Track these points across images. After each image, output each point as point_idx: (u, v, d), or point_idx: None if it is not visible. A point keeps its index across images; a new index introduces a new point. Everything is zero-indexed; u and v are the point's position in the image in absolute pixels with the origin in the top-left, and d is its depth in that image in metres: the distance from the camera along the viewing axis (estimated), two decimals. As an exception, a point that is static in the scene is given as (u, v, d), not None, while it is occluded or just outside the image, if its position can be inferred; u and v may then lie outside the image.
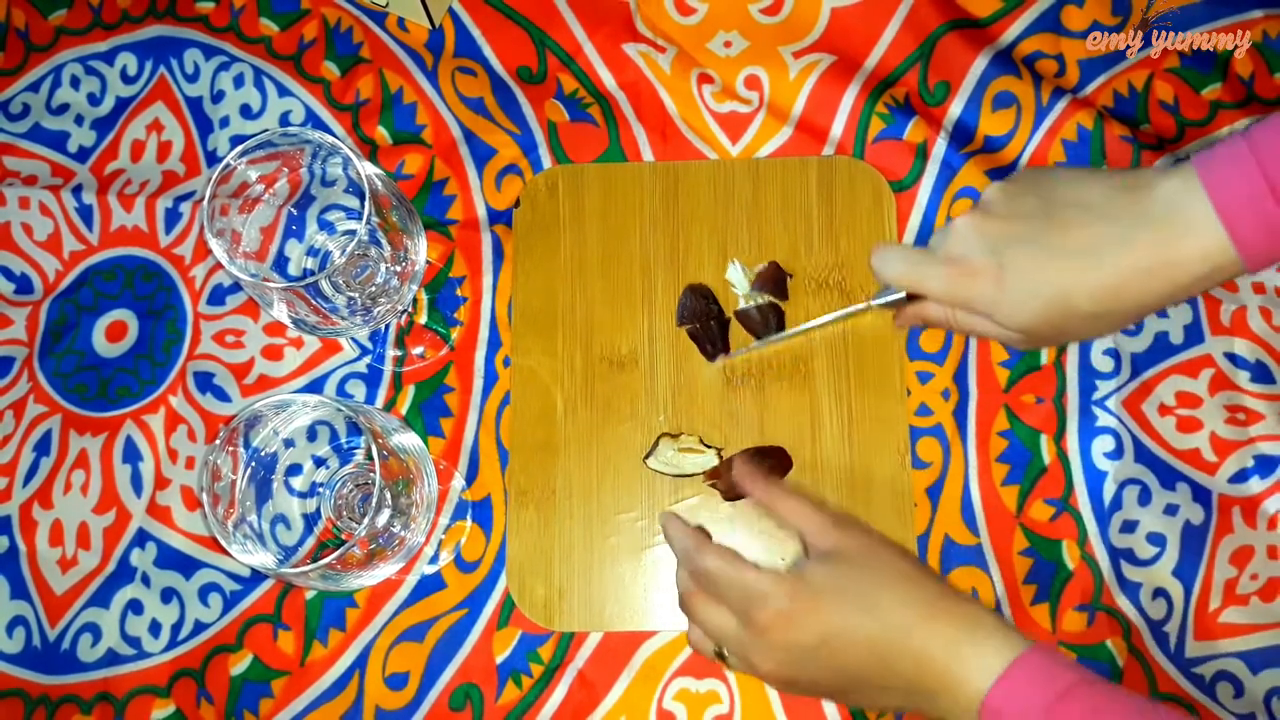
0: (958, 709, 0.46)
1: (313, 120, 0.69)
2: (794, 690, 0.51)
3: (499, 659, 0.60)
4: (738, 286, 0.62)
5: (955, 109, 0.65)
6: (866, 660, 0.47)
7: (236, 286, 0.66)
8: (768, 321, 0.61)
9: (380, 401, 0.64)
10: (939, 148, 0.64)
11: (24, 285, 0.69)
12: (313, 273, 0.64)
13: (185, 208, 0.68)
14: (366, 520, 0.50)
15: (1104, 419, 0.59)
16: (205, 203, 0.54)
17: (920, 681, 0.46)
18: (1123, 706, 0.43)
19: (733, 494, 0.59)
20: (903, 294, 0.54)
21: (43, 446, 0.65)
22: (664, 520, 0.55)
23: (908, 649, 0.46)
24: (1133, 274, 0.47)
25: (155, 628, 0.62)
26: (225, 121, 0.69)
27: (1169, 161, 0.61)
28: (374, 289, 0.58)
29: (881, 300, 0.56)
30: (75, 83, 0.71)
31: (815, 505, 0.52)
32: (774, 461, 0.60)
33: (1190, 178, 0.46)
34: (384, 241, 0.55)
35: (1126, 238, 0.46)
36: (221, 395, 0.65)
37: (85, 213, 0.69)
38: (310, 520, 0.61)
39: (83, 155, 0.70)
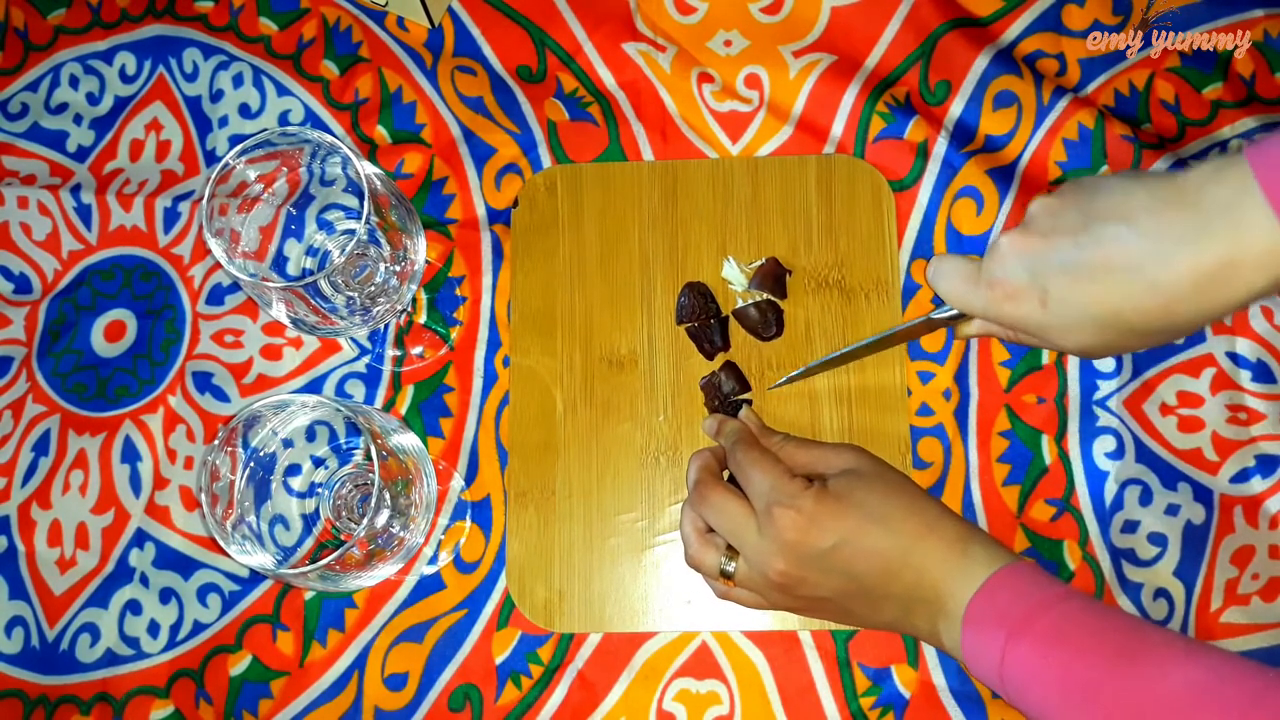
0: (947, 621, 0.49)
1: (312, 119, 0.69)
2: (794, 600, 0.53)
3: (498, 660, 0.59)
4: (735, 283, 0.62)
5: (956, 108, 0.65)
6: (874, 568, 0.50)
7: (235, 286, 0.66)
8: (766, 320, 0.61)
9: (379, 402, 0.64)
10: (940, 147, 0.64)
11: (22, 285, 0.69)
12: (312, 272, 0.64)
13: (184, 207, 0.68)
14: (365, 521, 0.50)
15: (1105, 419, 0.59)
16: (204, 202, 0.54)
17: (919, 591, 0.50)
18: (1090, 620, 0.45)
19: (714, 405, 0.61)
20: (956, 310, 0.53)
21: (41, 446, 0.65)
22: (719, 419, 0.59)
23: (910, 561, 0.50)
24: (1183, 291, 0.43)
25: (154, 628, 0.62)
26: (224, 121, 0.69)
27: (1170, 161, 0.61)
28: (373, 289, 0.58)
29: (940, 315, 0.54)
30: (74, 82, 0.71)
31: (812, 442, 0.57)
32: (735, 385, 0.61)
33: (1248, 184, 0.42)
34: (383, 241, 0.55)
35: (1172, 255, 0.43)
36: (220, 395, 0.65)
37: (84, 212, 0.69)
38: (309, 521, 0.61)
39: (81, 155, 0.70)
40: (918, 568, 0.50)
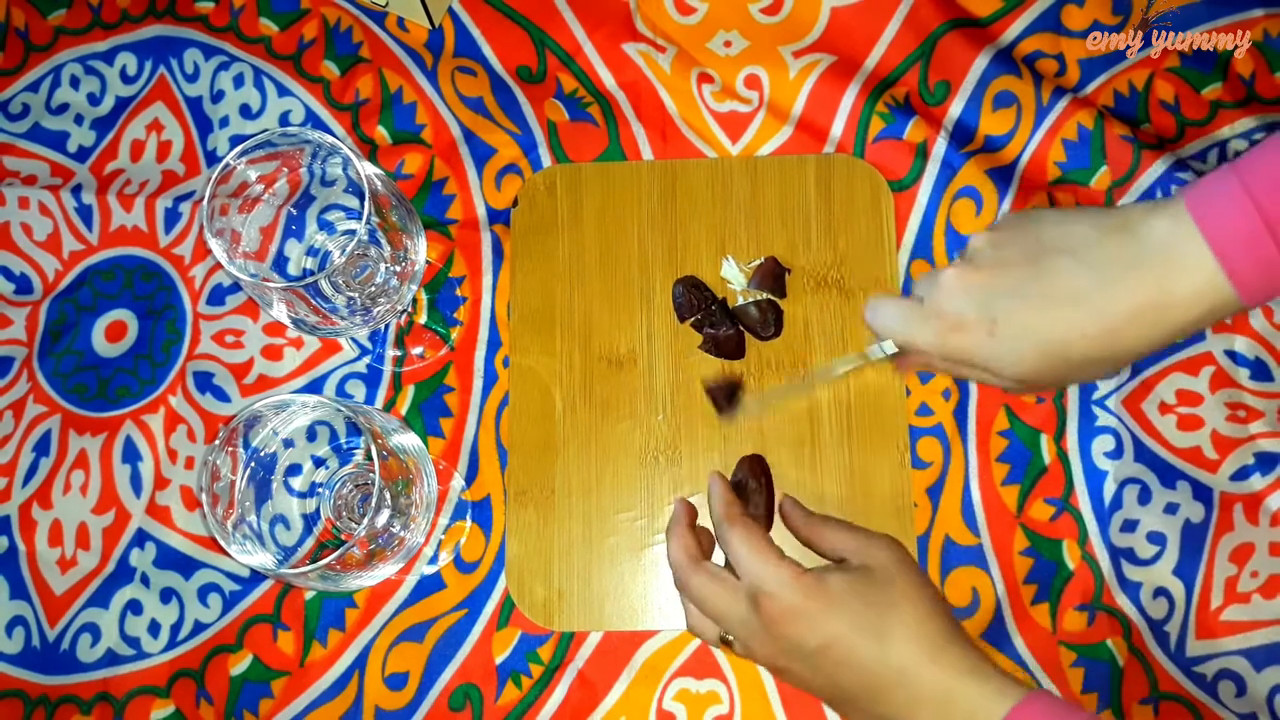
0: None
1: (312, 120, 0.69)
2: (789, 682, 0.52)
3: (499, 659, 0.60)
4: (734, 283, 0.62)
5: (955, 108, 0.65)
6: (860, 683, 0.48)
7: (236, 286, 0.66)
8: (765, 319, 0.61)
9: (380, 402, 0.64)
10: (939, 147, 0.64)
11: (23, 285, 0.69)
12: (312, 273, 0.64)
13: (185, 207, 0.68)
14: (366, 521, 0.50)
15: (1104, 418, 0.59)
16: (205, 202, 0.54)
17: (914, 713, 0.47)
18: None
19: (723, 407, 0.61)
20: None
21: (42, 446, 0.65)
22: (711, 478, 0.57)
23: (903, 685, 0.47)
24: (1126, 319, 0.46)
25: (155, 628, 0.62)
26: (225, 121, 0.69)
27: (1169, 161, 0.61)
28: (374, 289, 0.58)
29: (877, 355, 0.56)
30: (75, 82, 0.71)
31: (851, 528, 0.55)
32: (756, 470, 0.59)
33: (1182, 217, 0.44)
34: (384, 241, 0.55)
35: (1115, 283, 0.45)
36: (221, 395, 0.65)
37: (85, 212, 0.69)
38: (310, 520, 0.61)
39: (82, 155, 0.70)
40: (913, 693, 0.47)
